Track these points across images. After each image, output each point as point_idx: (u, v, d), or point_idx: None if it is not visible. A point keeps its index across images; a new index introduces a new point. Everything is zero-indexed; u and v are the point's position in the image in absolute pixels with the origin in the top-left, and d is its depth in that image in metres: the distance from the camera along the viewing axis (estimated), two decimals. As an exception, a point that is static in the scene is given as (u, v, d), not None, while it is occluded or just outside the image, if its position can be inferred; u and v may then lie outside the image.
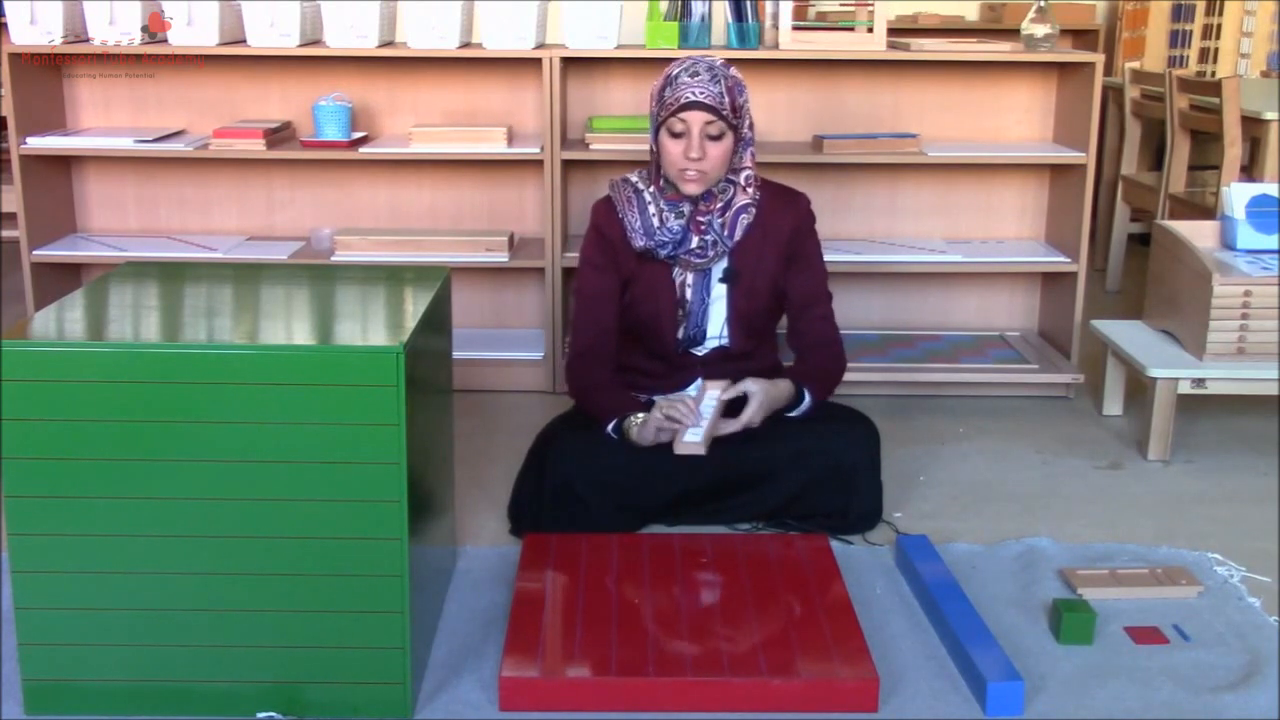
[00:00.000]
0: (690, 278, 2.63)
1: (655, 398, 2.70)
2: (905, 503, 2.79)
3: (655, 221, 2.57)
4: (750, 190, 2.60)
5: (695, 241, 2.58)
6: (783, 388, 2.56)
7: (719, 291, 2.65)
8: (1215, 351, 3.07)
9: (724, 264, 2.63)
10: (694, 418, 2.46)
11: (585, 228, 2.72)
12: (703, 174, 2.52)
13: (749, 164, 2.59)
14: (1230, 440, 3.23)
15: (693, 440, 2.43)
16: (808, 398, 2.57)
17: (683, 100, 2.47)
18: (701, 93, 2.47)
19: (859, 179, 3.74)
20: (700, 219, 2.57)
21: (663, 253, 2.58)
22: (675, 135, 2.50)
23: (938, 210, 3.78)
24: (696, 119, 2.48)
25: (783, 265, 2.65)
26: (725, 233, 2.58)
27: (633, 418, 2.52)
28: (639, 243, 2.58)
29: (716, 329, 2.67)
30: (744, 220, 2.59)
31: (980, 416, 3.40)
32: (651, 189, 2.59)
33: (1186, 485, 2.95)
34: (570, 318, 2.88)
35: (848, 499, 2.59)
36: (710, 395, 2.56)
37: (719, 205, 2.58)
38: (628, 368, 2.70)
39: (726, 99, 2.49)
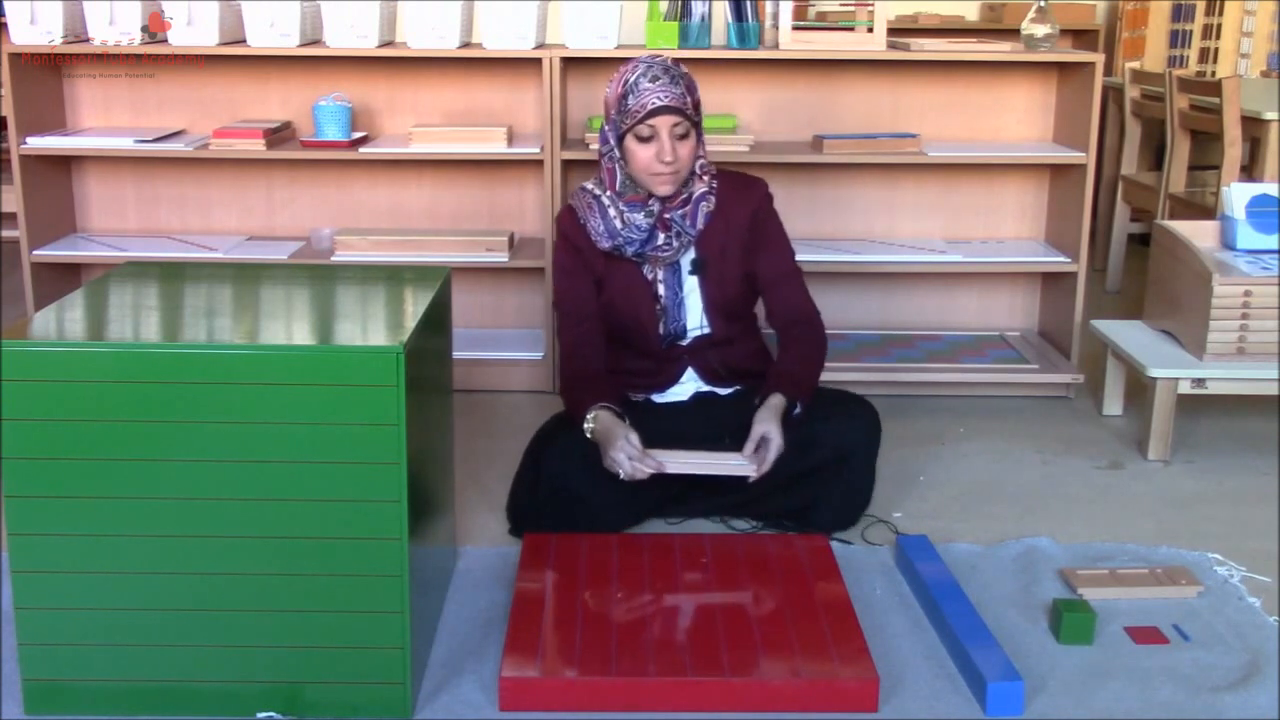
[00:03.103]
0: (662, 274, 2.64)
1: (654, 398, 2.71)
2: (905, 503, 2.79)
3: (617, 223, 2.58)
4: (706, 178, 2.63)
5: (661, 238, 2.59)
6: (778, 405, 2.53)
7: (691, 284, 2.66)
8: (1215, 351, 3.07)
9: (691, 255, 2.65)
10: (635, 472, 2.42)
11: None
12: (676, 174, 2.54)
13: (702, 153, 2.62)
14: (1230, 440, 3.23)
15: (741, 465, 2.46)
16: (799, 408, 2.56)
17: (650, 106, 2.48)
18: (666, 96, 2.49)
19: (859, 179, 3.74)
20: (666, 216, 2.58)
21: (629, 250, 2.59)
22: (644, 140, 2.51)
23: (938, 210, 3.78)
24: (665, 123, 2.49)
25: (747, 249, 2.66)
26: (688, 223, 2.60)
27: (588, 418, 2.50)
28: (604, 244, 2.60)
29: (696, 320, 2.68)
30: (704, 208, 2.61)
31: (980, 416, 3.40)
32: (608, 193, 2.60)
33: (1186, 485, 2.95)
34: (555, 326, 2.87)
35: (844, 485, 2.60)
36: (724, 457, 2.51)
37: (681, 197, 2.59)
38: (617, 370, 2.70)
39: (688, 98, 2.52)
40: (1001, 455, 3.12)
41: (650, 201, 2.58)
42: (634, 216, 2.57)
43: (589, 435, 2.49)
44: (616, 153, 2.57)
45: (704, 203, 2.61)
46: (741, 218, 2.65)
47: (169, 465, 1.85)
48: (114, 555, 1.88)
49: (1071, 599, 2.29)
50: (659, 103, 2.48)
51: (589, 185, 2.65)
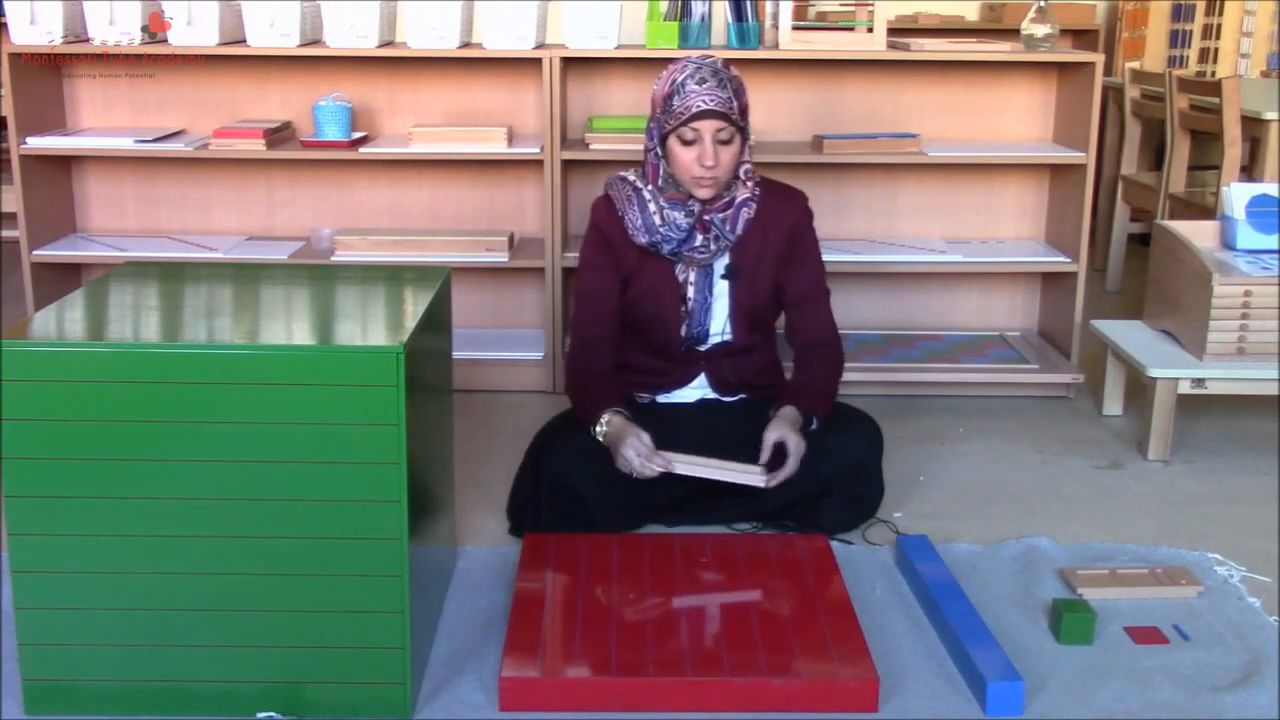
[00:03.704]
0: (693, 275, 2.63)
1: (658, 398, 2.71)
2: (905, 503, 2.79)
3: (656, 219, 2.56)
4: (750, 184, 2.60)
5: (699, 239, 2.58)
6: (792, 415, 2.53)
7: (721, 288, 2.65)
8: (1215, 351, 3.07)
9: (725, 260, 2.63)
10: (643, 470, 2.43)
11: (585, 227, 2.72)
12: (716, 180, 2.52)
13: (747, 158, 2.60)
14: (1230, 440, 3.23)
15: (752, 475, 2.46)
16: (814, 423, 2.56)
17: (694, 110, 2.45)
18: (712, 100, 2.45)
19: (859, 179, 3.74)
20: (706, 218, 2.57)
21: (666, 248, 2.58)
22: (686, 143, 2.49)
23: (938, 210, 3.78)
24: (709, 127, 2.46)
25: (782, 261, 2.65)
26: (727, 227, 2.58)
27: (601, 421, 2.50)
28: (641, 239, 2.58)
29: (719, 326, 2.67)
30: (745, 214, 2.59)
31: (980, 416, 3.40)
32: (649, 187, 2.59)
33: (1186, 485, 2.95)
34: (570, 317, 2.87)
35: (851, 495, 2.61)
36: (736, 465, 2.50)
37: (723, 201, 2.58)
38: (630, 367, 2.70)
39: (735, 103, 2.49)
40: (1001, 455, 3.12)
41: (690, 201, 2.56)
42: (674, 215, 2.55)
43: (600, 439, 2.49)
44: (659, 151, 2.55)
45: (745, 209, 2.58)
46: (780, 229, 2.63)
47: (169, 465, 1.85)
48: (114, 555, 1.88)
49: (1071, 599, 2.29)
50: (704, 106, 2.45)
51: (629, 176, 2.63)
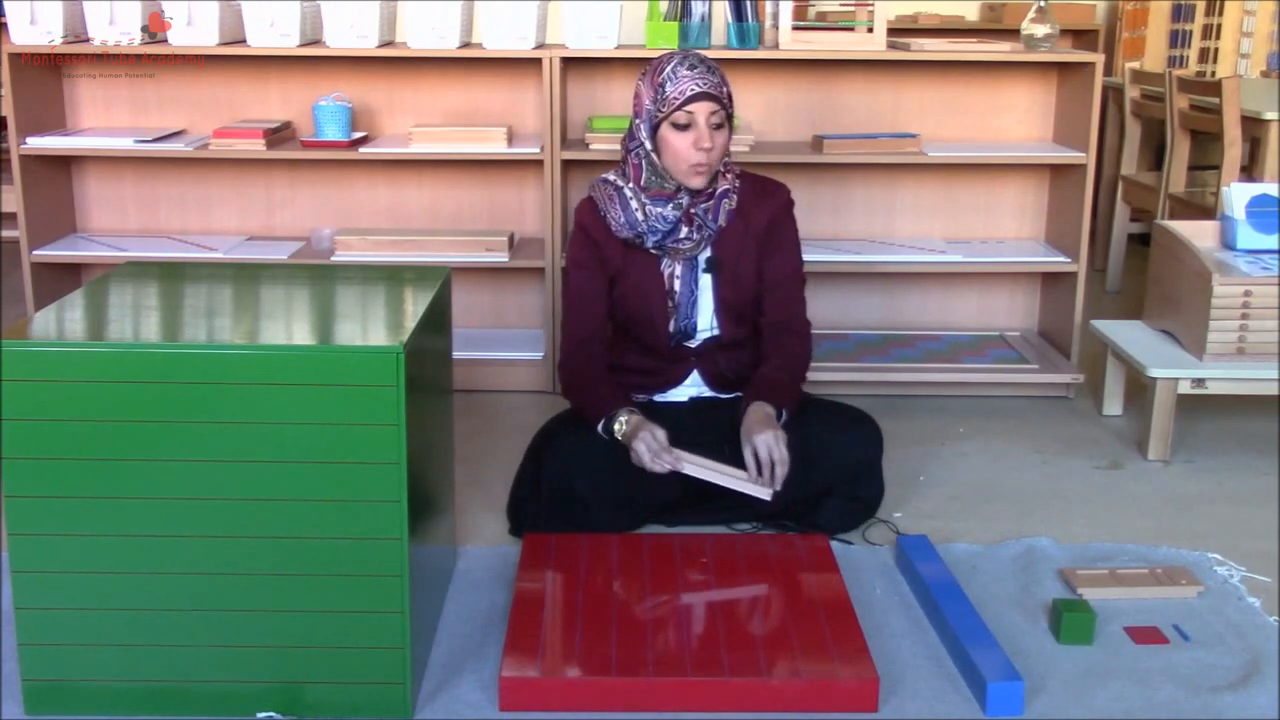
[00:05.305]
0: (678, 269, 2.64)
1: (655, 397, 2.71)
2: (905, 503, 2.79)
3: (638, 215, 2.58)
4: (730, 176, 2.63)
5: (684, 231, 2.59)
6: (765, 417, 2.51)
7: (705, 282, 2.66)
8: (1215, 351, 3.07)
9: (708, 253, 2.64)
10: (652, 464, 2.43)
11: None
12: (711, 165, 2.53)
13: (728, 149, 2.62)
14: (1230, 440, 3.23)
15: (759, 488, 2.45)
16: (784, 416, 2.56)
17: (689, 93, 2.48)
18: (705, 83, 2.49)
19: (859, 179, 3.74)
20: (692, 210, 2.58)
21: (651, 240, 2.59)
22: (681, 129, 2.50)
23: (938, 210, 3.78)
24: (703, 109, 2.49)
25: (761, 251, 2.66)
26: (710, 217, 2.60)
27: (619, 421, 2.52)
28: (624, 234, 2.59)
29: (706, 321, 2.68)
30: (726, 205, 2.61)
31: (980, 416, 3.40)
32: (630, 185, 2.60)
33: (1186, 485, 2.95)
34: (560, 319, 2.88)
35: (850, 499, 2.61)
36: (744, 476, 2.49)
37: (706, 192, 2.60)
38: (623, 368, 2.70)
39: (724, 88, 2.53)
40: (1001, 455, 3.12)
41: (679, 194, 2.57)
42: (657, 209, 2.57)
43: (619, 438, 2.49)
44: (648, 145, 2.55)
45: (726, 200, 2.61)
46: (761, 222, 2.65)
47: (169, 465, 1.85)
48: (114, 555, 1.88)
49: (1071, 599, 2.29)
50: (698, 89, 2.48)
51: (610, 177, 2.65)
